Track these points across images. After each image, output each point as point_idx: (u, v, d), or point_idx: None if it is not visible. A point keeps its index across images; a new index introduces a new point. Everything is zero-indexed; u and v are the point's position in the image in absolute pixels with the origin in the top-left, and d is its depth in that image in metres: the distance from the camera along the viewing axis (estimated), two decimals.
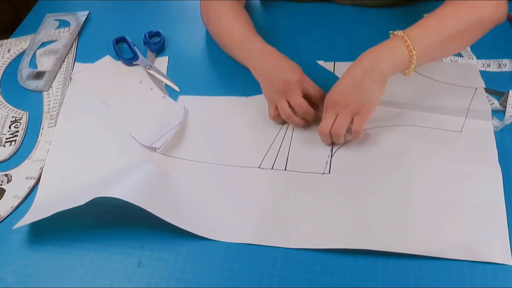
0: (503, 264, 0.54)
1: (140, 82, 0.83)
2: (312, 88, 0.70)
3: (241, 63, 0.79)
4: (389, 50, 0.64)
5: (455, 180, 0.61)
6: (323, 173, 0.65)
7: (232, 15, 0.79)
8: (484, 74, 0.75)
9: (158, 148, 0.69)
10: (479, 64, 0.76)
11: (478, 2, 0.66)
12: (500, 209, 0.58)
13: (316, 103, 0.71)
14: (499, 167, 0.61)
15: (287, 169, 0.66)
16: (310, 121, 0.71)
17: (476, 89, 0.71)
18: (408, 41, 0.63)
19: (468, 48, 0.79)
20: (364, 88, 0.63)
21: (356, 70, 0.64)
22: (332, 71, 0.80)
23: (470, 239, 0.56)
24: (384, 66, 0.63)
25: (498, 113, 0.69)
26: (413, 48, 0.62)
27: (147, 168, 0.67)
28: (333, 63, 0.81)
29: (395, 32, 0.65)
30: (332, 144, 0.68)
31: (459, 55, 0.79)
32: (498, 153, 0.64)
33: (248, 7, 0.95)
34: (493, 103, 0.69)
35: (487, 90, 0.72)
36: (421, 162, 0.64)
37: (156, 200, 0.62)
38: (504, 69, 0.76)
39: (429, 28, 0.65)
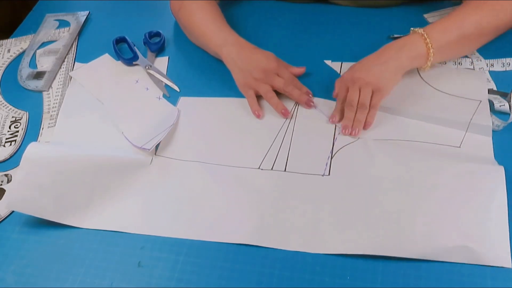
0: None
1: (137, 81, 0.83)
2: (287, 74, 0.76)
3: (212, 51, 0.82)
4: (409, 46, 0.69)
5: (455, 185, 0.61)
6: (322, 175, 0.65)
7: (205, 7, 0.83)
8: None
9: (149, 149, 0.69)
10: (483, 64, 0.77)
11: (498, 8, 0.71)
12: (502, 214, 0.57)
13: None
14: (503, 169, 0.61)
15: (286, 170, 0.66)
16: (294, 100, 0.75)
17: (481, 101, 0.70)
18: (427, 39, 0.68)
19: (475, 51, 0.79)
20: (385, 74, 0.69)
21: (380, 57, 0.70)
22: (339, 72, 0.80)
23: (469, 243, 0.55)
24: (403, 59, 0.69)
25: (501, 114, 0.69)
26: (431, 46, 0.68)
27: (143, 176, 0.67)
28: (340, 63, 0.81)
29: (415, 29, 0.70)
30: (333, 145, 0.69)
31: (465, 56, 0.79)
32: (498, 153, 0.64)
33: (248, 7, 0.95)
34: (504, 104, 0.69)
35: (494, 91, 0.71)
36: (420, 167, 0.64)
37: (151, 219, 0.63)
38: (508, 68, 0.76)
39: (448, 28, 0.70)
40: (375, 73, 0.69)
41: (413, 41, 0.69)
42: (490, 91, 0.71)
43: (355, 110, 0.69)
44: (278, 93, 0.75)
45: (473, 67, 0.77)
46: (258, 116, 0.73)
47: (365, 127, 0.69)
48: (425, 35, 0.68)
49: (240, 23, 0.91)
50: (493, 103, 0.70)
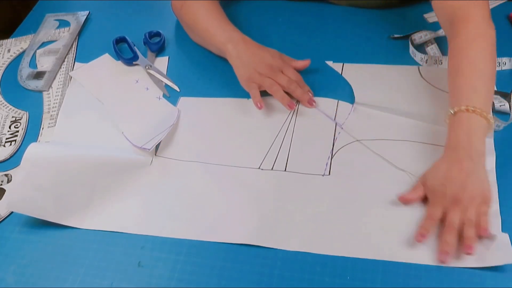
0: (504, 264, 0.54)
1: (137, 81, 0.83)
2: (292, 72, 0.75)
3: (216, 48, 0.81)
4: (478, 132, 0.61)
5: None
6: (323, 175, 0.65)
7: (208, 5, 0.83)
8: None
9: (149, 149, 0.69)
10: None
11: (482, 31, 0.66)
12: (496, 223, 0.57)
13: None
14: (496, 185, 0.61)
15: (287, 170, 0.66)
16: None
17: None
18: (484, 112, 0.61)
19: None
20: (480, 177, 0.59)
21: (465, 161, 0.59)
22: (340, 72, 0.79)
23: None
24: (481, 150, 0.60)
25: (501, 115, 0.69)
26: (486, 113, 0.61)
27: (143, 178, 0.68)
28: (341, 64, 0.81)
29: (469, 108, 0.61)
30: (334, 145, 0.68)
31: None
32: (498, 154, 0.64)
33: (248, 7, 0.95)
34: (504, 104, 0.69)
35: (497, 92, 0.71)
36: (421, 168, 0.63)
37: (149, 219, 0.63)
38: (504, 68, 0.76)
39: (479, 87, 0.63)
40: (472, 188, 0.58)
41: (474, 124, 0.61)
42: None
43: (456, 232, 0.57)
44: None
45: None
46: (260, 107, 0.73)
47: (483, 233, 0.56)
48: (477, 110, 0.60)
49: (240, 23, 0.90)
50: (493, 103, 0.70)
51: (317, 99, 0.75)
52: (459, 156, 0.60)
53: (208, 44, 0.84)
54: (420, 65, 0.78)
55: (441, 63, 0.78)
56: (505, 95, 0.70)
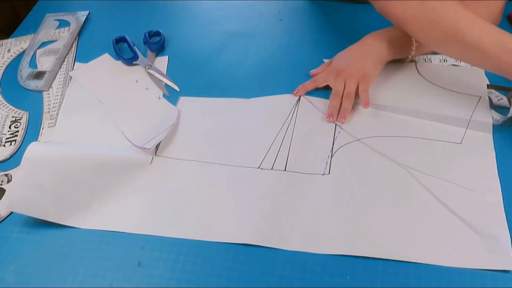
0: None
1: (136, 81, 0.83)
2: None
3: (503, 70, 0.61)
4: (393, 39, 0.72)
5: (455, 190, 0.61)
6: (323, 174, 0.65)
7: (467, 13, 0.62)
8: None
9: (149, 149, 0.69)
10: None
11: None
12: (500, 219, 0.57)
13: None
14: (498, 180, 0.61)
15: (286, 169, 0.66)
16: None
17: (480, 97, 0.70)
18: (413, 48, 0.69)
19: None
20: (367, 66, 0.72)
21: (363, 48, 0.73)
22: None
23: (469, 248, 0.55)
24: (385, 52, 0.72)
25: (502, 109, 0.69)
26: (414, 40, 0.69)
27: (143, 177, 0.68)
28: None
29: None
30: (333, 144, 0.69)
31: None
32: (498, 149, 0.64)
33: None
34: (502, 98, 0.69)
35: (493, 86, 0.71)
36: (422, 165, 0.64)
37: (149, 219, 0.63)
38: None
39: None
40: (358, 66, 0.72)
41: (397, 34, 0.72)
42: (487, 86, 0.72)
43: (340, 99, 0.72)
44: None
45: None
46: None
47: (364, 106, 0.70)
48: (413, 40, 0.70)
49: (239, 22, 0.91)
50: (491, 98, 0.70)
51: (315, 99, 0.75)
52: (362, 46, 0.73)
53: (486, 67, 0.66)
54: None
55: (430, 61, 0.78)
56: (502, 89, 0.70)
